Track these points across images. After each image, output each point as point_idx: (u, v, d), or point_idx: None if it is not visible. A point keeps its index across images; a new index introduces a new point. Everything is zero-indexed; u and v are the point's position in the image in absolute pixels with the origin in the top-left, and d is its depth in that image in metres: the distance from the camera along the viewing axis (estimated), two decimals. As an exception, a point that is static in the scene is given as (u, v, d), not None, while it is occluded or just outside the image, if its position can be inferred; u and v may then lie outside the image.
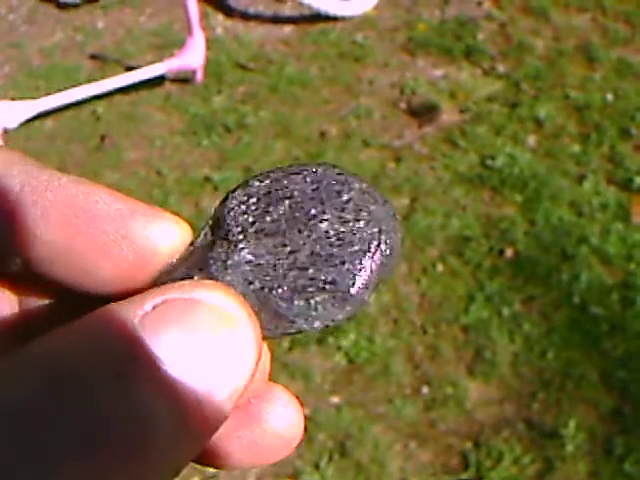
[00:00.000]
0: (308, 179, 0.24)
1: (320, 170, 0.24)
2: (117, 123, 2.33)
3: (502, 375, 1.60)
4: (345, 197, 0.24)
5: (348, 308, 0.22)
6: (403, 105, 2.33)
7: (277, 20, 2.77)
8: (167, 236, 0.22)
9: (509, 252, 1.83)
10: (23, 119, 2.15)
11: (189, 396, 0.18)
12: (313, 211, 0.23)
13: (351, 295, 0.22)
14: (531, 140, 2.16)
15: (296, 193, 0.24)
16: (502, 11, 2.71)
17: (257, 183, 0.24)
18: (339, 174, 0.24)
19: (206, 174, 2.12)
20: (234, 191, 0.24)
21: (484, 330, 1.68)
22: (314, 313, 0.22)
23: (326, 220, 0.23)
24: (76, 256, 0.22)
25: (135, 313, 0.18)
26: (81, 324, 0.18)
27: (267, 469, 1.44)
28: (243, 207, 0.24)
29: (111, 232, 0.22)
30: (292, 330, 0.22)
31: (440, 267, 1.81)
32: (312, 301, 0.22)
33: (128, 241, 0.22)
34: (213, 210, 0.24)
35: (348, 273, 0.22)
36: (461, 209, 1.95)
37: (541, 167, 2.06)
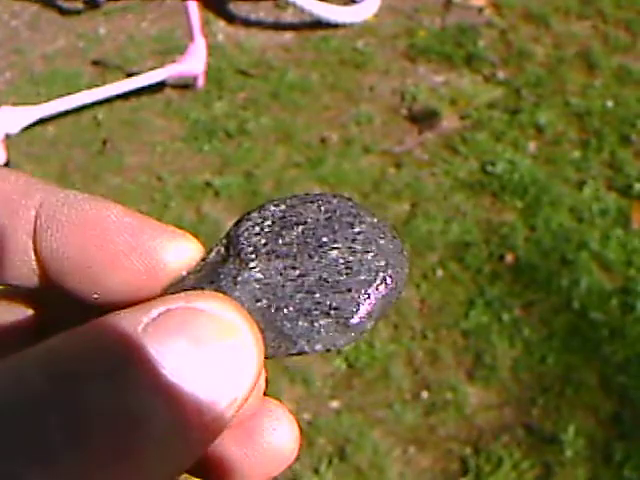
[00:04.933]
0: (322, 208, 0.25)
1: (335, 201, 0.25)
2: (118, 129, 2.34)
3: (502, 380, 1.60)
4: (356, 229, 0.24)
5: (349, 334, 0.23)
6: (404, 111, 2.34)
7: (278, 27, 2.78)
8: (177, 250, 0.23)
9: (509, 257, 1.83)
10: (25, 124, 2.16)
11: (188, 401, 0.18)
12: (324, 239, 0.24)
13: (353, 322, 0.23)
14: (531, 146, 2.17)
15: (309, 220, 0.24)
16: (503, 18, 2.71)
17: (273, 207, 0.25)
18: (352, 207, 0.25)
19: (207, 179, 2.13)
20: (250, 213, 0.25)
21: (484, 335, 1.68)
22: (317, 336, 0.23)
23: (336, 249, 0.24)
24: (88, 268, 0.22)
25: (139, 320, 0.19)
26: (84, 328, 0.19)
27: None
28: (257, 228, 0.24)
29: (121, 244, 0.22)
30: (294, 351, 0.23)
31: (440, 272, 1.82)
32: (316, 324, 0.23)
33: (138, 253, 0.22)
34: (228, 230, 0.25)
35: (352, 301, 0.23)
36: (461, 215, 1.96)
37: (541, 173, 2.06)
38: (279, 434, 0.25)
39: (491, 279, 1.79)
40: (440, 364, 1.64)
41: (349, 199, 0.25)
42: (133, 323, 0.19)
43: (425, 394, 1.59)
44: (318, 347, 0.23)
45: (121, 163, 2.21)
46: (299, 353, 0.23)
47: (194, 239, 0.24)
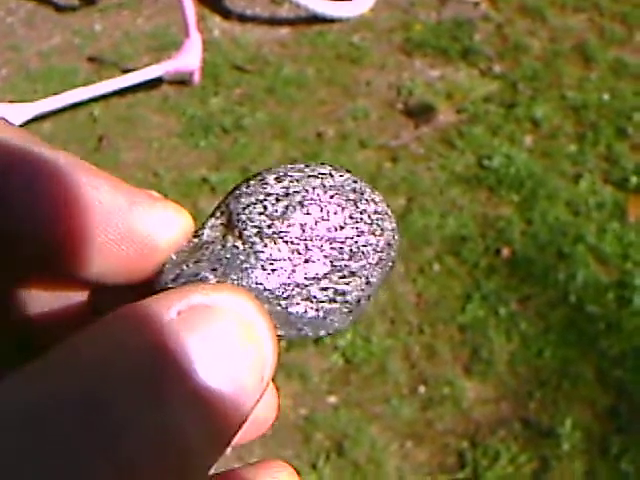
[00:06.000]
0: (326, 184, 0.24)
1: (337, 175, 0.24)
2: (114, 125, 2.33)
3: (498, 374, 1.60)
4: (360, 207, 0.24)
5: (351, 318, 0.23)
6: (400, 106, 2.34)
7: (274, 22, 2.77)
8: (168, 227, 0.22)
9: (505, 252, 1.83)
10: (21, 121, 2.16)
11: (219, 406, 0.18)
12: (330, 219, 0.23)
13: (358, 307, 0.23)
14: (528, 140, 2.17)
15: (314, 198, 0.23)
16: (499, 12, 2.71)
17: (274, 182, 0.24)
18: (355, 181, 0.24)
19: (203, 175, 2.13)
20: (248, 186, 0.24)
21: (481, 329, 1.68)
22: (322, 322, 0.23)
23: (342, 228, 0.23)
24: (74, 252, 0.21)
25: (161, 320, 0.18)
26: (106, 335, 0.18)
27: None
28: (260, 206, 0.23)
29: (112, 233, 0.21)
30: (296, 337, 0.23)
31: (437, 267, 1.82)
32: (321, 311, 0.22)
33: (129, 239, 0.21)
34: (223, 201, 0.24)
35: (358, 285, 0.23)
36: (457, 209, 1.96)
37: (537, 167, 2.06)
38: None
39: (487, 273, 1.79)
40: (437, 359, 1.65)
41: (349, 172, 0.25)
42: (157, 325, 0.18)
43: (422, 389, 1.60)
44: (322, 333, 0.23)
45: (117, 159, 2.20)
46: (301, 338, 0.23)
47: (185, 212, 0.23)
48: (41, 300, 0.24)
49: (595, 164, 2.06)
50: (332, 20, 2.70)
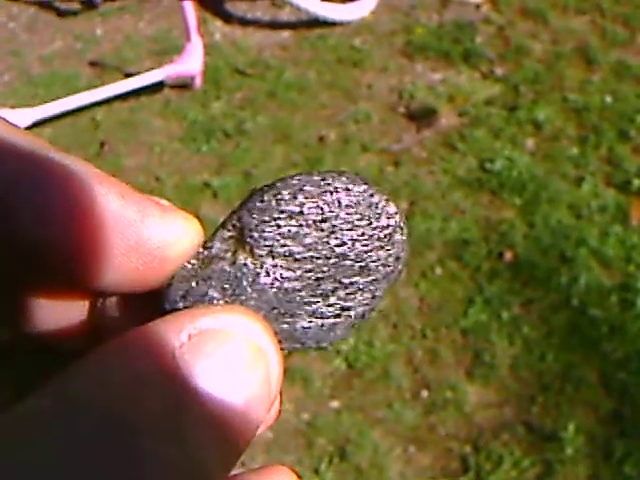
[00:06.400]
0: (343, 202, 0.23)
1: (354, 189, 0.23)
2: (116, 130, 2.34)
3: (501, 378, 1.60)
4: (374, 224, 0.23)
5: (353, 330, 0.23)
6: (402, 109, 2.33)
7: (275, 25, 2.77)
8: (179, 238, 0.22)
9: (508, 255, 1.83)
10: (23, 127, 2.16)
11: (233, 430, 0.18)
12: (344, 239, 0.23)
13: (362, 320, 0.23)
14: (530, 143, 2.16)
15: (329, 216, 0.23)
16: (500, 14, 2.71)
17: (288, 197, 0.23)
18: (371, 195, 0.23)
19: (205, 180, 2.13)
20: (262, 200, 0.23)
21: (483, 333, 1.68)
22: (325, 335, 0.23)
23: (354, 247, 0.23)
24: (87, 261, 0.21)
25: (172, 345, 0.18)
26: (117, 359, 0.18)
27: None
28: (273, 224, 0.22)
29: (121, 244, 0.21)
30: (299, 349, 0.23)
31: (439, 271, 1.81)
32: (326, 326, 0.23)
33: (139, 250, 0.21)
34: (236, 215, 0.23)
35: (364, 300, 0.23)
36: (460, 212, 1.95)
37: (540, 170, 2.06)
38: None
39: (490, 277, 1.79)
40: (440, 363, 1.64)
41: (366, 183, 0.24)
42: (168, 350, 0.18)
43: (425, 393, 1.59)
44: (324, 344, 0.23)
45: (119, 164, 2.21)
46: (304, 350, 0.23)
47: (196, 221, 0.22)
48: (49, 308, 0.24)
49: (597, 167, 2.06)
50: (333, 23, 2.70)
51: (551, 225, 1.89)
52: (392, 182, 2.06)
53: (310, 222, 0.23)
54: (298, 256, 0.22)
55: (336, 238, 0.23)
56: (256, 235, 0.22)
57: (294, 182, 0.23)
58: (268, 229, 0.22)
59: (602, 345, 1.64)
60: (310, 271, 0.23)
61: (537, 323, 1.69)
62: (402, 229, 0.24)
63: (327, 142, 2.22)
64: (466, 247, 1.86)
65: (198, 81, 2.44)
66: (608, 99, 2.29)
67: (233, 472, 0.26)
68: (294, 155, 2.18)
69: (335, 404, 1.59)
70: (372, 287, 0.23)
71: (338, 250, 0.23)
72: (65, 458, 0.16)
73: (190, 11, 2.29)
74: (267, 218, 0.23)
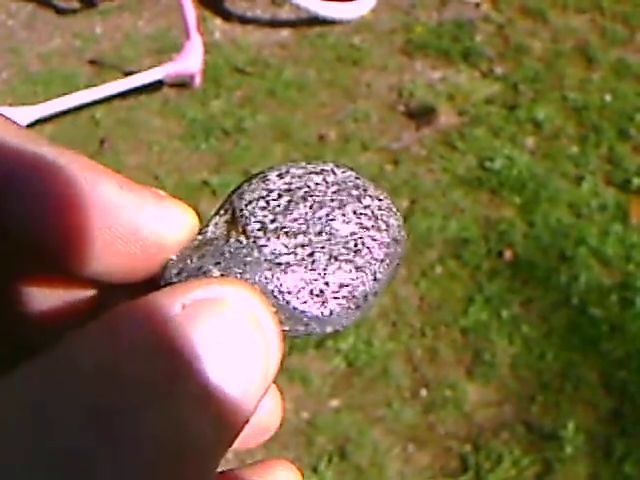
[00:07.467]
0: (329, 180, 0.24)
1: (339, 172, 0.24)
2: (115, 128, 2.33)
3: (501, 377, 1.60)
4: (364, 203, 0.24)
5: (358, 314, 0.23)
6: (401, 108, 2.33)
7: (275, 24, 2.77)
8: (175, 225, 0.22)
9: (508, 254, 1.83)
10: (22, 125, 2.15)
11: (228, 404, 0.18)
12: (333, 214, 0.23)
13: (364, 303, 0.23)
14: (529, 142, 2.16)
15: (317, 193, 0.23)
16: (500, 13, 2.71)
17: (276, 178, 0.24)
18: (357, 178, 0.24)
19: (204, 178, 2.12)
20: (250, 184, 0.24)
21: (483, 332, 1.68)
22: (328, 318, 0.22)
23: (346, 224, 0.23)
24: (73, 250, 0.21)
25: (167, 316, 0.18)
26: (112, 332, 0.17)
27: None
28: (262, 202, 0.23)
29: (119, 231, 0.21)
30: (303, 333, 0.22)
31: (439, 269, 1.81)
32: (327, 307, 0.22)
33: (135, 237, 0.21)
34: (227, 199, 0.24)
35: (365, 281, 0.22)
36: (460, 211, 1.95)
37: (539, 169, 2.06)
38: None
39: (490, 276, 1.79)
40: (439, 361, 1.64)
41: (351, 169, 0.25)
42: (163, 317, 0.18)
43: (424, 392, 1.59)
44: (328, 329, 0.22)
45: (119, 162, 2.20)
46: (308, 335, 0.22)
47: (191, 210, 0.23)
48: (43, 298, 0.24)
49: (597, 166, 2.06)
50: (333, 22, 2.70)
51: (551, 224, 1.89)
52: (392, 180, 2.06)
53: (298, 199, 0.23)
54: (290, 232, 0.22)
55: (327, 215, 0.23)
56: (247, 213, 0.23)
57: (281, 167, 0.24)
58: (258, 206, 0.23)
59: (602, 344, 1.64)
60: (303, 247, 0.22)
61: (537, 322, 1.69)
62: (395, 212, 0.24)
63: (327, 140, 2.22)
64: (466, 246, 1.85)
65: (197, 79, 2.44)
66: (608, 98, 2.28)
67: (233, 468, 0.25)
68: (294, 153, 2.18)
69: (334, 403, 1.59)
70: (372, 268, 0.23)
71: (330, 228, 0.23)
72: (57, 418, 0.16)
73: (189, 9, 2.29)
74: (256, 196, 0.23)
